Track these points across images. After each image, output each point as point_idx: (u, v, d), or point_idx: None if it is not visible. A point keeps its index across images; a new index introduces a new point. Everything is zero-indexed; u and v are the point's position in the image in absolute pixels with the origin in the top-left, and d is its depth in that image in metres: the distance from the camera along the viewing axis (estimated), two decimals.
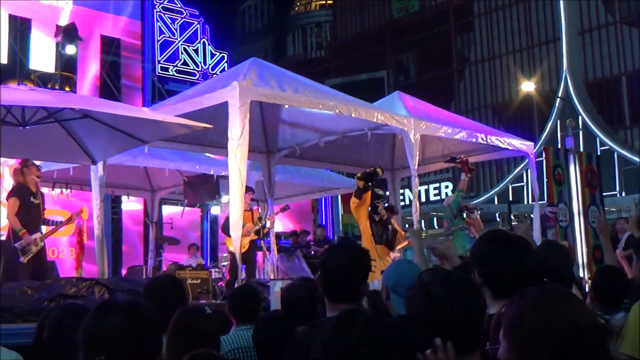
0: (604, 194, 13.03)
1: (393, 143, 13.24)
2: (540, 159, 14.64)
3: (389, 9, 45.92)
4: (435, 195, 37.79)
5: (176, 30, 21.73)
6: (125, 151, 10.12)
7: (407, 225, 12.60)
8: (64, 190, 13.87)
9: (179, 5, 22.13)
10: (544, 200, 13.02)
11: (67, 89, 17.87)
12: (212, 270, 12.54)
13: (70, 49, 17.51)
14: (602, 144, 33.35)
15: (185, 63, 21.77)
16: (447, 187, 37.37)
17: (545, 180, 12.48)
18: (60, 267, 13.34)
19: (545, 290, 2.03)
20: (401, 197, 17.54)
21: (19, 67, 18.14)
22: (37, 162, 12.27)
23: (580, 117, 33.59)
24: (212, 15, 23.16)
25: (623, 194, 32.02)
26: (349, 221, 23.16)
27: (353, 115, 9.66)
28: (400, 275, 3.59)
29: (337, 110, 9.46)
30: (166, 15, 21.62)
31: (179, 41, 21.75)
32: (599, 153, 27.78)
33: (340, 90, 11.41)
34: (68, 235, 16.01)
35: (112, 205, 19.03)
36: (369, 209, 9.54)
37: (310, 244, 16.15)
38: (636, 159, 31.90)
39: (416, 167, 10.44)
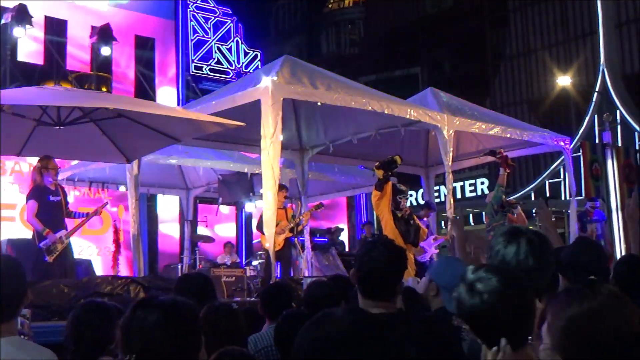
0: None
1: (427, 139, 13.17)
2: (578, 154, 14.46)
3: (422, 4, 45.66)
4: (471, 191, 37.46)
5: (209, 29, 21.81)
6: (159, 150, 10.20)
7: (442, 222, 12.51)
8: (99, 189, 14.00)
9: (212, 5, 22.20)
10: (581, 196, 12.85)
11: (103, 89, 18.07)
12: (247, 267, 12.59)
13: (105, 50, 17.70)
14: None
15: (218, 62, 21.85)
16: (482, 183, 37.00)
17: (582, 175, 12.32)
18: (96, 265, 13.49)
19: (588, 288, 1.99)
20: (436, 194, 17.46)
21: (56, 69, 18.36)
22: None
23: (617, 111, 33.03)
24: (245, 13, 23.23)
25: None
26: None
27: (386, 112, 9.62)
28: (454, 276, 3.52)
29: (370, 107, 9.43)
30: (199, 14, 21.72)
31: (213, 40, 21.83)
32: (637, 147, 27.35)
33: (374, 87, 11.38)
34: (104, 234, 16.18)
35: (148, 204, 19.19)
36: (392, 204, 9.29)
37: (343, 243, 16.10)
38: None
39: (450, 163, 10.37)
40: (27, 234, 15.08)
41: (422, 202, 20.66)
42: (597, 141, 26.82)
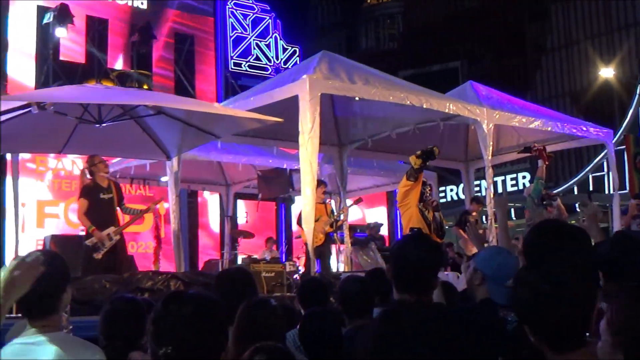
0: None
1: (466, 133, 13.07)
2: (621, 147, 14.22)
3: None
4: (512, 186, 37.04)
5: (248, 25, 21.90)
6: (198, 146, 10.26)
7: (484, 217, 12.37)
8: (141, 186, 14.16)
9: (251, 1, 22.29)
10: (625, 189, 12.63)
11: (145, 87, 18.27)
12: (287, 263, 12.61)
13: (145, 48, 17.90)
14: None
15: (257, 58, 21.93)
16: (524, 177, 36.53)
17: (626, 169, 12.10)
18: (138, 261, 13.61)
19: None
20: (476, 189, 17.31)
21: (97, 67, 18.59)
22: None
23: None
24: (283, 10, 23.27)
25: None
26: None
27: (424, 106, 9.56)
28: (501, 266, 3.47)
29: (408, 102, 9.38)
30: (238, 11, 21.82)
31: (251, 37, 21.91)
32: None
33: (414, 81, 11.30)
34: (146, 230, 16.35)
35: (189, 200, 19.35)
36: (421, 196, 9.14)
37: (383, 238, 16.05)
38: None
39: (490, 157, 10.26)
40: (71, 230, 15.40)
41: (462, 196, 20.51)
42: None
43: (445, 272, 13.41)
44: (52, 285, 2.85)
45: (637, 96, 33.62)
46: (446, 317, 1.75)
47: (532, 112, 11.37)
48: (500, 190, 34.62)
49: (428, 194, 9.26)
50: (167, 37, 19.85)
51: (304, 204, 8.58)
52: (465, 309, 3.37)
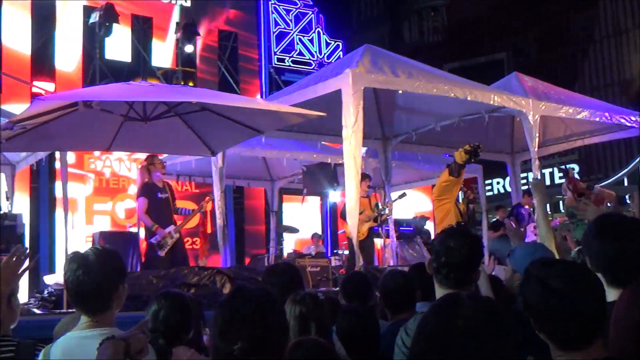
0: None
1: (512, 125, 12.91)
2: None
3: None
4: (560, 178, 36.47)
5: (291, 21, 21.93)
6: (243, 142, 10.31)
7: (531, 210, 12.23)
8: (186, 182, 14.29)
9: None
10: None
11: (190, 84, 18.42)
12: (332, 257, 12.62)
13: (189, 47, 18.06)
14: None
15: (300, 53, 21.95)
16: (573, 169, 36.02)
17: None
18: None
19: None
20: (523, 181, 17.08)
21: (142, 65, 18.82)
22: (161, 156, 12.77)
23: None
24: (326, 4, 23.19)
25: None
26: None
27: (468, 98, 9.46)
28: None
29: (452, 94, 9.29)
30: (281, 6, 21.87)
31: (294, 32, 21.94)
32: None
33: (459, 74, 11.19)
34: (193, 226, 16.50)
35: (235, 196, 19.48)
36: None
37: (428, 231, 15.94)
38: None
39: (536, 149, 10.11)
40: (118, 227, 15.63)
41: (509, 189, 20.27)
42: None
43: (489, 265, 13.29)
44: (106, 281, 2.89)
45: None
46: (498, 312, 1.72)
47: (579, 103, 11.18)
48: (548, 183, 34.14)
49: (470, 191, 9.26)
50: (211, 34, 20.00)
51: (347, 198, 8.57)
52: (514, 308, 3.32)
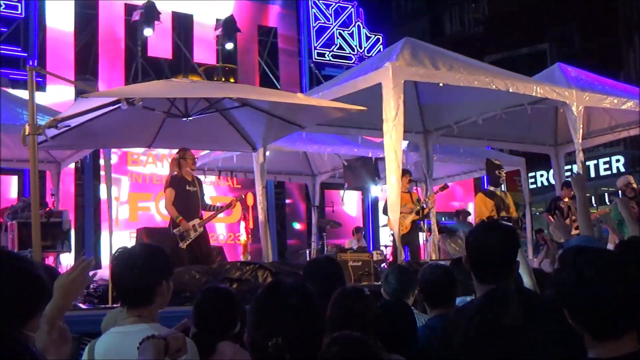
0: None
1: (555, 117, 12.74)
2: None
3: None
4: (605, 170, 35.88)
5: (331, 15, 21.89)
6: (284, 137, 10.34)
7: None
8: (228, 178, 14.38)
9: None
10: None
11: (231, 80, 18.52)
12: (374, 252, 12.58)
13: (229, 44, 18.17)
14: None
15: (340, 47, 21.90)
16: (618, 160, 35.38)
17: None
18: (228, 252, 13.86)
19: None
20: (567, 174, 16.85)
21: (184, 62, 18.97)
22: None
23: None
24: None
25: None
26: (515, 199, 22.52)
27: (510, 90, 9.37)
28: None
29: (494, 86, 9.20)
30: (320, 1, 21.84)
31: (334, 26, 21.89)
32: None
33: (501, 66, 11.07)
34: (234, 221, 16.60)
35: (277, 191, 19.56)
36: (491, 180, 9.13)
37: (471, 225, 15.81)
38: None
39: (580, 140, 9.97)
40: (162, 223, 15.78)
41: (552, 182, 20.01)
42: None
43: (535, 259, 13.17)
44: (149, 276, 2.93)
45: None
46: (541, 309, 1.70)
47: (624, 93, 10.98)
48: (592, 175, 33.62)
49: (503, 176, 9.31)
50: (251, 30, 20.07)
51: (389, 192, 8.55)
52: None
